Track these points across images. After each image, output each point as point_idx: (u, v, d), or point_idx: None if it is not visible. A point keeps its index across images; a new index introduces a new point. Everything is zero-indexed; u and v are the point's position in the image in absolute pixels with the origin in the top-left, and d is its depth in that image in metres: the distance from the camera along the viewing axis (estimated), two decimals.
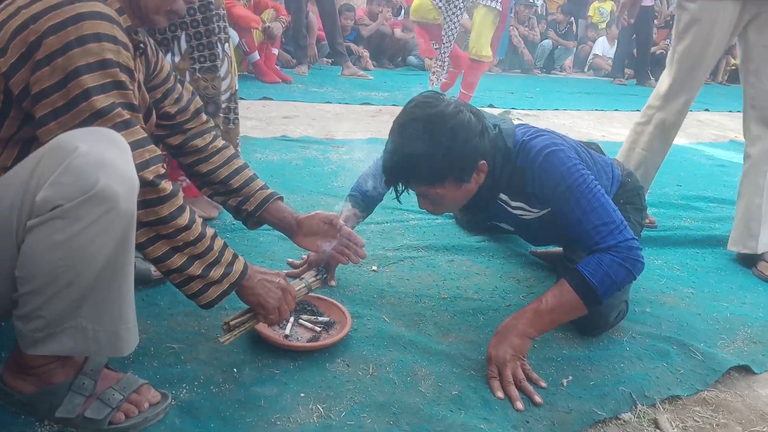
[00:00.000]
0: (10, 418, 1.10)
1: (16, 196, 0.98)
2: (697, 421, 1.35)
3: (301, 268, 1.78)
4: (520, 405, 1.28)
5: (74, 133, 0.99)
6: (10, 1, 1.07)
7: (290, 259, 1.86)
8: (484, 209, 1.66)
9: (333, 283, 1.75)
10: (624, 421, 1.31)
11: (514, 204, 1.62)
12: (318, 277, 1.49)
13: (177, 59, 1.88)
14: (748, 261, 2.22)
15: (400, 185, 1.45)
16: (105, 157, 0.96)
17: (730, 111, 6.43)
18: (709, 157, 4.15)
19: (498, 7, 4.07)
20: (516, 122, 1.64)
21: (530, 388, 1.34)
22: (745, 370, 1.56)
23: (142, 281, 1.57)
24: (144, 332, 1.38)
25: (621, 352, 1.56)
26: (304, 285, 1.44)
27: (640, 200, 1.83)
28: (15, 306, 1.03)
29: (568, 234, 1.50)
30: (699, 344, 1.62)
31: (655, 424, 1.32)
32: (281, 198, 1.59)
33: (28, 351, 1.05)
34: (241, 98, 4.33)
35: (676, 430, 1.31)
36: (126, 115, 1.07)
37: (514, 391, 1.32)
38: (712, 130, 5.20)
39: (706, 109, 6.33)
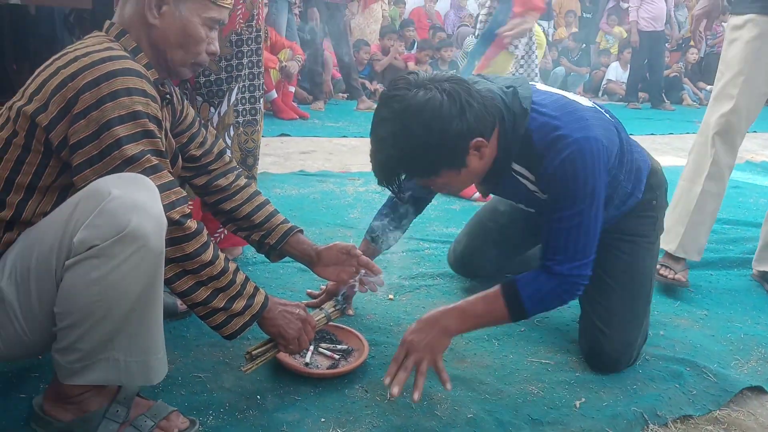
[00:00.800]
0: None
1: (55, 239, 1.07)
2: None
3: (320, 298, 1.84)
4: (395, 390, 1.31)
5: (108, 178, 1.09)
6: (50, 62, 1.18)
7: (309, 290, 1.93)
8: (495, 185, 1.56)
9: (351, 312, 1.81)
10: None
11: (532, 178, 1.46)
12: (337, 308, 1.55)
13: (224, 111, 1.92)
14: (763, 278, 2.24)
15: (394, 185, 1.37)
16: (136, 200, 1.05)
17: (746, 132, 6.40)
18: None
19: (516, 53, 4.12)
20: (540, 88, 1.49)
21: (420, 383, 1.33)
22: (758, 389, 1.59)
23: (169, 314, 1.64)
24: (172, 362, 1.45)
25: (634, 375, 1.59)
26: (323, 315, 1.51)
27: (667, 201, 1.73)
28: (54, 340, 1.11)
29: (541, 230, 1.46)
30: (712, 365, 1.65)
31: None
32: (301, 231, 1.67)
33: (65, 381, 1.13)
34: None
35: None
36: (154, 160, 1.16)
37: (401, 377, 1.33)
38: None
39: None
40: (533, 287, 1.39)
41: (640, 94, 8.68)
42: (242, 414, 1.31)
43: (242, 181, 1.62)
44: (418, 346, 1.36)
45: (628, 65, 8.62)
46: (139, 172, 1.12)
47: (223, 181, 1.58)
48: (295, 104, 5.63)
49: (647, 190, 1.61)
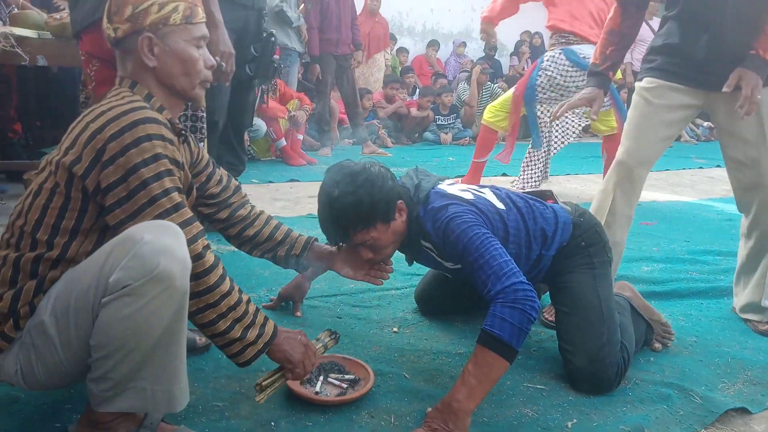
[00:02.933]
0: None
1: (93, 279, 1.21)
2: None
3: (275, 302, 2.19)
4: None
5: (140, 226, 1.23)
6: (81, 118, 1.35)
7: (264, 303, 2.21)
8: (415, 255, 1.89)
9: (298, 314, 2.14)
10: None
11: (436, 252, 1.78)
12: (332, 337, 1.69)
13: None
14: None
15: (340, 240, 1.75)
16: (164, 245, 1.19)
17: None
18: (718, 212, 4.28)
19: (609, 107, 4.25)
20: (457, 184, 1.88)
21: None
22: (743, 410, 1.67)
23: (189, 349, 1.76)
24: (192, 393, 1.56)
25: (624, 398, 1.69)
26: (321, 345, 1.64)
27: (599, 236, 1.89)
28: (89, 370, 1.24)
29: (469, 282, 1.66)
30: (700, 388, 1.74)
31: None
32: (316, 239, 1.91)
33: (98, 409, 1.26)
34: (270, 181, 4.68)
35: None
36: (177, 198, 1.31)
37: None
38: (723, 185, 5.33)
39: (718, 166, 6.47)
40: (491, 318, 1.47)
41: None
42: None
43: (257, 209, 1.84)
44: (438, 430, 1.43)
45: (626, 105, 8.83)
46: (162, 210, 1.27)
47: (243, 212, 1.78)
48: (303, 151, 5.84)
49: (572, 238, 1.86)
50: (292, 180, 4.76)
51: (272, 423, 1.49)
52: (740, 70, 1.97)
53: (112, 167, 1.26)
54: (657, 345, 2.01)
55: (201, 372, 1.70)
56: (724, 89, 1.98)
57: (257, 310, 1.42)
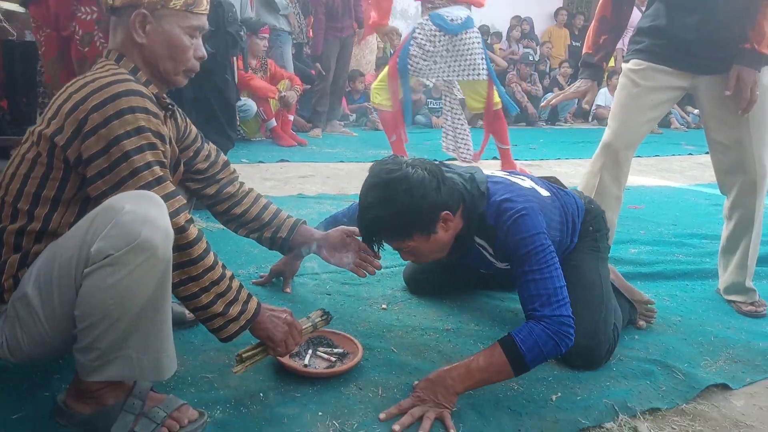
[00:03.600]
0: None
1: (75, 249, 1.20)
2: (675, 429, 1.50)
3: (265, 278, 2.18)
4: (396, 428, 1.38)
5: (121, 195, 1.23)
6: (64, 89, 1.34)
7: (254, 280, 2.20)
8: (463, 255, 1.78)
9: (288, 290, 2.13)
10: (606, 429, 1.47)
11: (490, 251, 1.75)
12: (323, 318, 1.69)
13: None
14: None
15: (374, 244, 1.64)
16: (146, 214, 1.18)
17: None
18: (706, 197, 4.32)
19: (485, 78, 4.23)
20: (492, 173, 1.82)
21: (426, 426, 1.39)
22: (724, 386, 1.71)
23: (177, 323, 1.77)
24: (181, 365, 1.58)
25: (608, 373, 1.72)
26: (310, 324, 1.65)
27: (604, 224, 1.97)
28: (75, 341, 1.24)
29: (518, 293, 1.61)
30: (683, 365, 1.77)
31: (635, 431, 1.47)
32: (305, 222, 1.88)
33: (86, 378, 1.26)
34: (260, 161, 4.66)
35: None
36: (159, 172, 1.30)
37: (405, 421, 1.41)
38: (711, 172, 5.35)
39: (707, 152, 6.50)
40: (525, 333, 1.48)
41: None
42: (246, 409, 1.44)
43: (246, 187, 1.82)
44: (427, 401, 1.45)
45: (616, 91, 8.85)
46: (144, 183, 1.26)
47: (231, 189, 1.76)
48: (293, 132, 5.81)
49: (584, 224, 1.91)
50: (282, 160, 4.74)
51: (261, 394, 1.50)
52: (738, 68, 1.99)
53: (94, 138, 1.25)
54: (641, 323, 2.04)
55: (190, 345, 1.71)
56: (726, 93, 2.01)
57: (241, 286, 1.42)
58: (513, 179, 1.77)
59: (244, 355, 1.48)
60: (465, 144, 4.63)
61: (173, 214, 1.27)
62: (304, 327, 1.61)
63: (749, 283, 2.23)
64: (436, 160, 1.69)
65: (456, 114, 4.64)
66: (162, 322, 1.26)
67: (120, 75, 1.33)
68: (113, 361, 1.24)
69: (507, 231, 1.59)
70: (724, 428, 1.52)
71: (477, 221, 1.65)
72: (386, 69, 4.29)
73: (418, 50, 4.01)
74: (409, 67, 4.08)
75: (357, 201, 1.66)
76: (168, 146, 1.39)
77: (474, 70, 4.10)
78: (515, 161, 4.77)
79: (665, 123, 9.09)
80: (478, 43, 4.10)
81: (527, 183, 1.78)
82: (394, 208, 1.51)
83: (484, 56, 4.13)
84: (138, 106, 1.28)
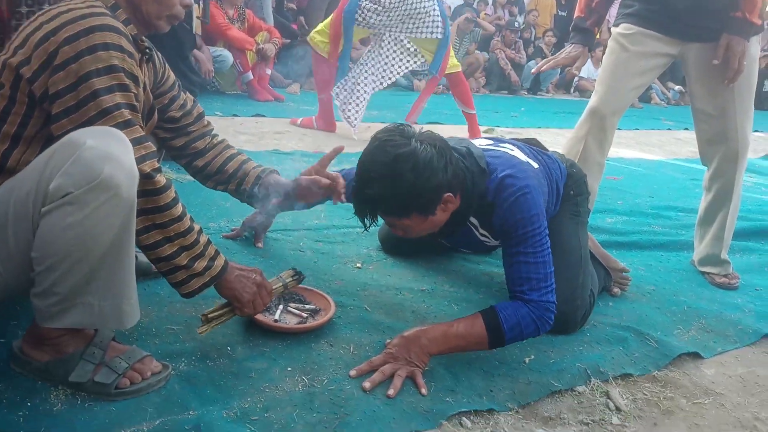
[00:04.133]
0: (28, 383, 1.23)
1: (32, 185, 1.12)
2: (646, 395, 1.50)
3: (236, 231, 2.11)
4: (366, 386, 1.35)
5: (83, 130, 1.14)
6: (35, 18, 1.23)
7: (224, 234, 2.13)
8: (453, 232, 1.71)
9: (260, 245, 2.06)
10: (578, 393, 1.46)
11: (482, 230, 1.73)
12: (295, 278, 1.64)
13: None
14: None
15: (368, 218, 1.52)
16: (109, 151, 1.11)
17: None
18: (684, 171, 4.35)
19: (439, 36, 4.09)
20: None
21: (398, 384, 1.36)
22: (695, 354, 1.71)
23: (144, 273, 1.71)
24: (146, 316, 1.52)
25: (581, 338, 1.71)
26: (281, 284, 1.59)
27: (585, 188, 1.94)
28: (32, 284, 1.17)
29: (505, 269, 1.58)
30: (655, 333, 1.77)
31: (607, 396, 1.46)
32: (275, 171, 1.76)
33: (44, 324, 1.20)
34: (235, 115, 4.54)
35: (626, 401, 1.46)
36: (128, 115, 1.22)
37: (376, 378, 1.37)
38: (689, 147, 5.40)
39: (686, 128, 6.55)
40: (510, 311, 1.47)
41: None
42: (213, 362, 1.39)
43: (216, 139, 1.71)
44: (399, 358, 1.42)
45: (600, 63, 8.82)
46: (112, 125, 1.18)
47: (200, 144, 1.65)
48: (270, 87, 5.66)
49: (565, 188, 1.86)
50: (257, 115, 4.62)
51: (228, 348, 1.46)
52: (727, 37, 1.96)
53: (63, 73, 1.16)
54: (616, 290, 2.03)
55: (156, 296, 1.64)
56: (714, 62, 1.98)
57: (209, 242, 1.35)
58: (506, 150, 1.70)
59: (209, 315, 1.42)
60: (356, 109, 4.18)
61: (139, 160, 1.19)
62: (274, 287, 1.55)
63: (724, 255, 2.24)
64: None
65: (370, 74, 4.16)
66: (125, 267, 1.19)
67: (97, 8, 1.23)
68: (73, 308, 1.17)
69: (508, 209, 1.53)
70: (694, 395, 1.52)
71: (477, 200, 1.57)
72: (332, 16, 4.09)
73: (372, 4, 3.85)
74: (357, 17, 3.90)
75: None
76: (141, 90, 1.31)
77: (428, 28, 4.00)
78: (497, 128, 4.74)
79: (646, 98, 9.12)
80: (434, 2, 3.99)
81: (517, 153, 1.72)
82: (397, 187, 1.41)
83: (442, 17, 4.03)
84: (113, 43, 1.19)
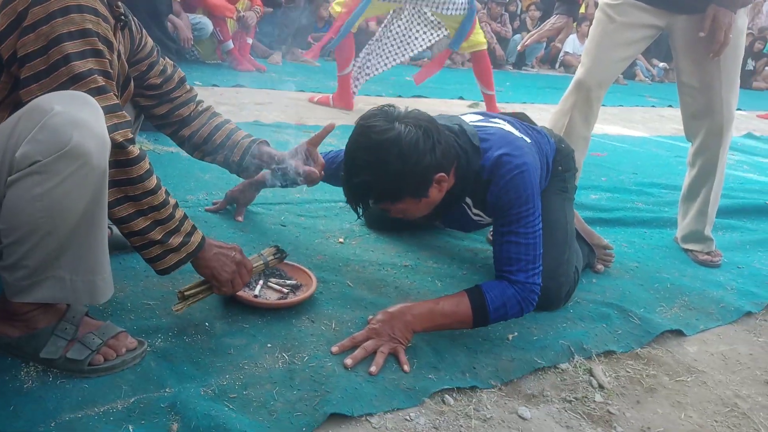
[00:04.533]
0: None
1: None
2: (629, 372, 1.50)
3: (220, 204, 2.06)
4: (348, 363, 1.32)
5: (51, 95, 1.08)
6: None
7: (207, 207, 2.08)
8: (447, 213, 1.68)
9: (240, 218, 2.02)
10: (561, 370, 1.45)
11: (475, 210, 1.70)
12: (276, 256, 1.60)
13: None
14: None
15: (360, 206, 1.48)
16: (79, 117, 1.05)
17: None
18: (667, 148, 4.35)
19: (462, 12, 4.05)
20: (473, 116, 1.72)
21: (380, 361, 1.33)
22: (678, 332, 1.71)
23: (119, 247, 1.65)
24: (121, 290, 1.48)
25: (564, 314, 1.70)
26: (262, 262, 1.55)
27: (573, 163, 1.92)
28: (0, 257, 1.12)
29: (493, 247, 1.56)
30: (639, 310, 1.77)
31: (590, 373, 1.45)
32: (265, 142, 1.69)
33: (13, 299, 1.15)
34: (214, 85, 4.44)
35: (609, 378, 1.45)
36: (101, 81, 1.16)
37: (358, 355, 1.35)
38: (673, 124, 5.41)
39: (670, 105, 6.56)
40: (497, 292, 1.45)
41: None
42: (190, 338, 1.35)
43: (201, 106, 1.64)
44: (382, 334, 1.39)
45: (585, 39, 8.77)
46: (84, 91, 1.12)
47: (184, 111, 1.59)
48: (252, 57, 5.54)
49: (554, 163, 1.84)
50: (238, 85, 4.51)
51: (206, 324, 1.42)
52: (714, 9, 1.93)
53: (33, 35, 1.10)
54: (599, 266, 2.02)
55: (131, 270, 1.60)
56: (701, 34, 1.96)
57: (185, 217, 1.31)
58: (500, 126, 1.66)
59: (186, 293, 1.38)
60: (361, 76, 4.14)
61: (111, 128, 1.13)
62: (255, 265, 1.51)
63: (708, 232, 2.24)
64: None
65: (388, 47, 4.08)
66: (97, 240, 1.14)
67: None
68: (43, 282, 1.13)
69: (504, 187, 1.50)
70: (677, 373, 1.52)
71: (472, 178, 1.54)
72: None
73: None
74: None
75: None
76: (116, 58, 1.24)
77: (453, 5, 3.91)
78: (481, 103, 4.67)
79: (630, 75, 9.10)
80: None
81: (511, 129, 1.67)
82: (384, 174, 1.37)
83: None
84: (87, 6, 1.13)
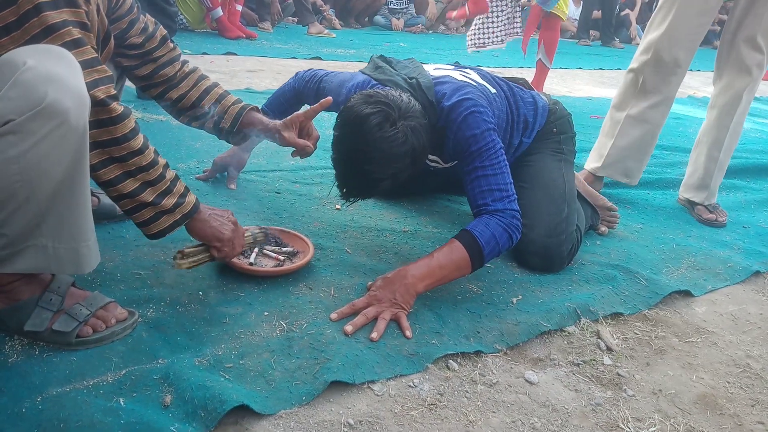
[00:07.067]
0: None
1: None
2: (637, 334, 1.45)
3: (209, 172, 2.00)
4: (348, 329, 1.27)
5: (23, 49, 1.00)
6: None
7: (198, 175, 2.02)
8: (415, 177, 1.64)
9: (232, 186, 1.96)
10: (568, 333, 1.41)
11: (431, 157, 1.68)
12: (262, 231, 1.54)
13: None
14: (689, 203, 2.31)
15: (350, 200, 1.48)
16: (53, 72, 0.97)
17: (690, 70, 6.55)
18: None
19: None
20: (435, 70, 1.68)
21: (381, 327, 1.29)
22: (686, 293, 1.67)
23: (107, 216, 1.59)
24: (110, 260, 1.42)
25: (569, 276, 1.65)
26: (250, 234, 1.49)
27: (570, 127, 1.87)
28: None
29: (465, 190, 1.54)
30: (645, 271, 1.72)
31: (598, 335, 1.41)
32: (256, 108, 1.61)
33: None
34: (205, 53, 4.32)
35: (617, 341, 1.41)
36: (77, 33, 1.07)
37: (359, 322, 1.30)
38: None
39: None
40: (482, 227, 1.44)
41: (591, 32, 8.72)
42: (183, 308, 1.30)
43: (187, 67, 1.55)
44: (383, 300, 1.35)
45: (581, 3, 8.60)
46: (59, 44, 1.04)
47: (169, 70, 1.50)
48: (242, 24, 5.40)
49: (546, 125, 1.82)
50: (228, 53, 4.40)
51: (200, 293, 1.36)
52: None
53: None
54: (603, 228, 1.97)
55: (120, 240, 1.54)
56: None
57: (177, 177, 1.23)
58: (459, 76, 1.63)
59: (186, 251, 1.32)
60: (496, 30, 4.05)
61: (91, 85, 1.05)
62: (246, 235, 1.45)
63: (717, 180, 2.18)
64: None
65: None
66: (80, 205, 1.07)
67: None
68: (24, 251, 1.06)
69: (458, 128, 1.51)
70: (685, 334, 1.48)
71: (433, 135, 1.51)
72: None
73: None
74: None
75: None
76: (94, 9, 1.15)
77: None
78: (478, 67, 4.54)
79: (627, 38, 8.95)
80: None
81: (474, 76, 1.66)
82: (398, 178, 1.42)
83: None
84: None
